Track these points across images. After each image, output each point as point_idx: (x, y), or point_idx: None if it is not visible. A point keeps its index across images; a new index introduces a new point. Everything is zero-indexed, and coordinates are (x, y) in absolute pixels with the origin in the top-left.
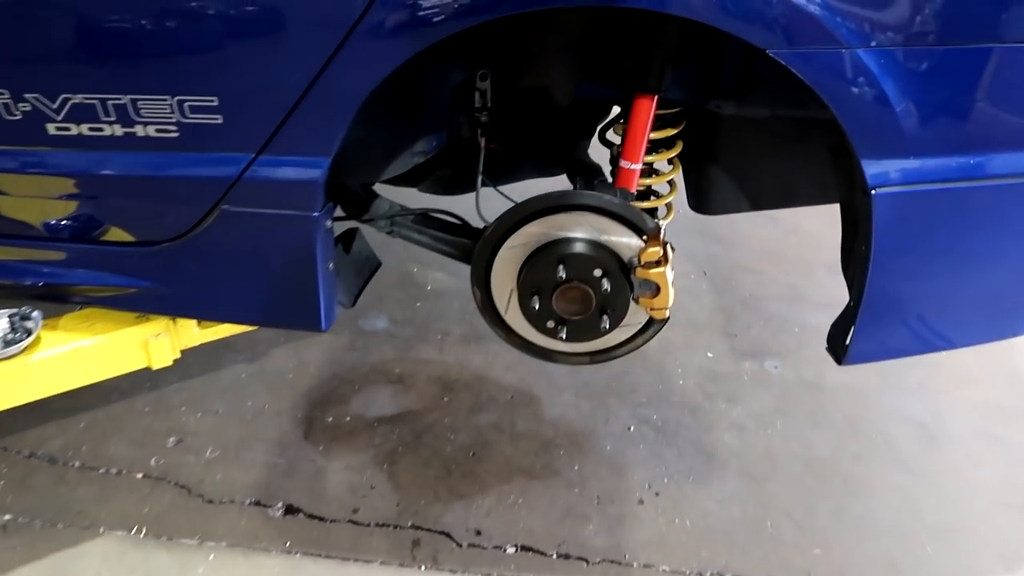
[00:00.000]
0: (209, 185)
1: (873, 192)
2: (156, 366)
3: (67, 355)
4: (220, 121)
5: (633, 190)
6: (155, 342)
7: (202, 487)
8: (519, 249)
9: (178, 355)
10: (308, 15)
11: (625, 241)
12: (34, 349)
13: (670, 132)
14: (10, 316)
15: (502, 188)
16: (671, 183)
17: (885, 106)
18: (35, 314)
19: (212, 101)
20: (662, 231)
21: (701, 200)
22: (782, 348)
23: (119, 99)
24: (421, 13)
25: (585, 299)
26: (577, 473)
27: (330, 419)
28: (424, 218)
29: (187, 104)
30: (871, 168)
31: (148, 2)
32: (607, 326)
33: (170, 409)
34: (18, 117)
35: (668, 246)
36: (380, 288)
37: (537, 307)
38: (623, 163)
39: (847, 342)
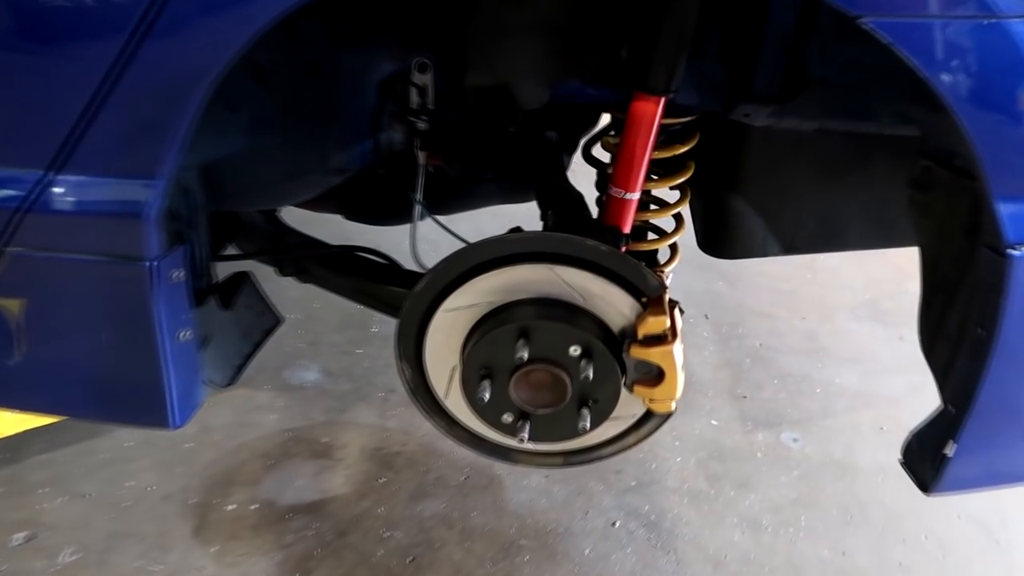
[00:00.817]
0: None
1: (1011, 251)
2: None
3: None
4: None
5: (627, 228)
6: None
7: None
8: (465, 312)
9: None
10: None
11: (616, 306)
12: None
13: (679, 149)
14: None
15: (449, 219)
16: (677, 217)
17: None
18: None
19: None
20: (667, 292)
21: (715, 239)
22: (802, 415)
23: None
24: None
25: (557, 387)
26: None
27: (231, 507)
28: (341, 257)
29: None
30: (1010, 214)
31: None
32: (587, 424)
33: (27, 491)
34: None
35: (676, 311)
36: (314, 330)
37: (488, 396)
38: (614, 191)
39: (941, 463)
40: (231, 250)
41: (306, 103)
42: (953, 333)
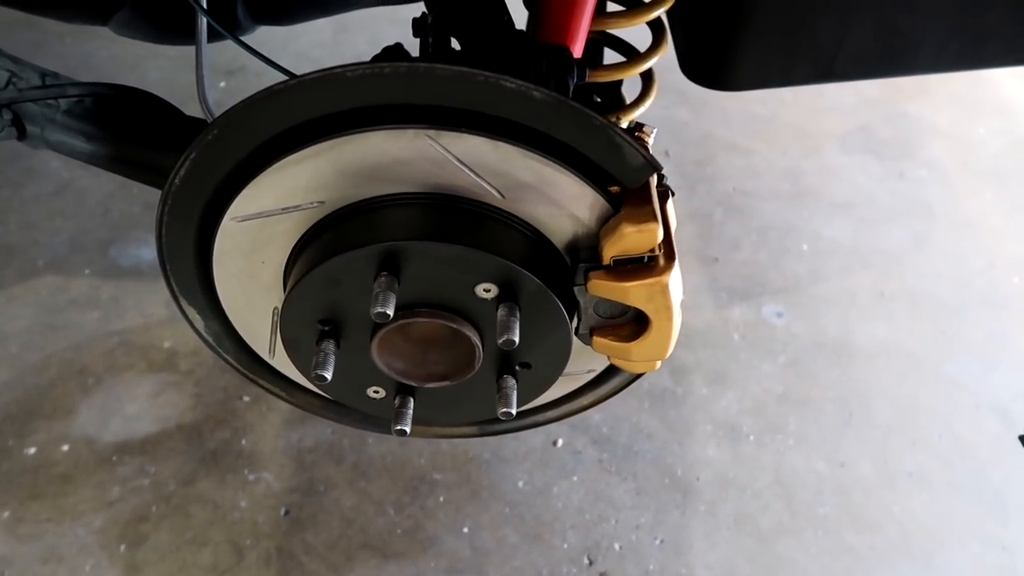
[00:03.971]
0: None
1: None
2: None
3: None
4: None
5: (578, 49)
6: None
7: None
8: (278, 221)
9: None
10: None
11: (564, 204)
12: None
13: None
14: None
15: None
16: (654, 26)
17: None
18: None
19: None
20: (657, 177)
21: (710, 60)
22: (787, 281)
23: None
24: None
25: (457, 347)
26: (466, 542)
27: (30, 451)
28: (88, 104)
29: None
30: None
31: None
32: (510, 402)
33: None
34: None
35: (669, 205)
36: (152, 188)
37: (332, 368)
38: None
39: None
40: None
41: None
42: None
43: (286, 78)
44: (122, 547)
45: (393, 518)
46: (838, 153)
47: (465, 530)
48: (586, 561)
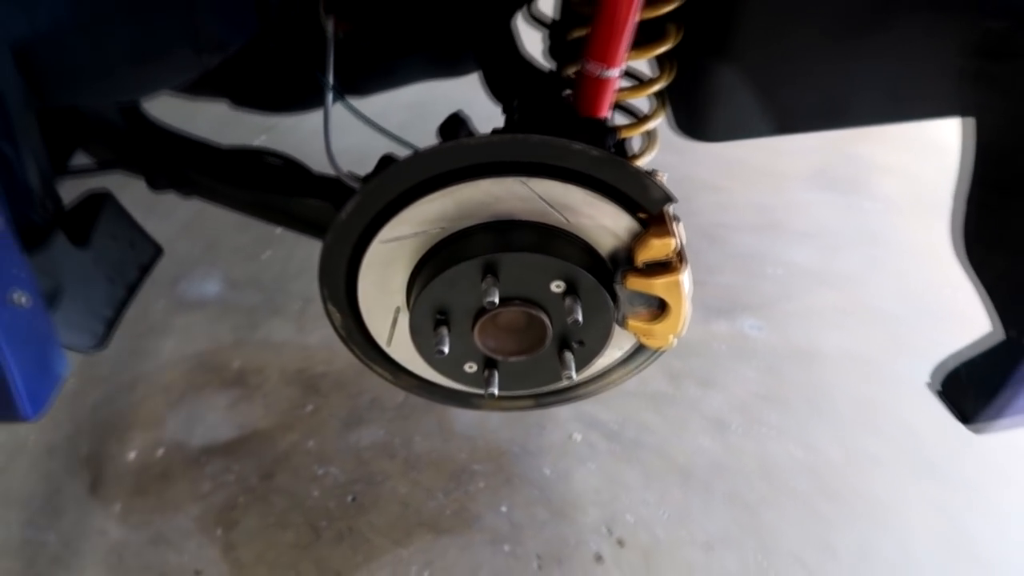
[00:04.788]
0: None
1: None
2: None
3: None
4: None
5: (606, 114)
6: None
7: None
8: (409, 242)
9: None
10: None
11: (607, 226)
12: None
13: (665, 8)
14: None
15: (367, 103)
16: (658, 97)
17: None
18: None
19: None
20: (671, 205)
21: (695, 118)
22: (761, 299)
23: None
24: None
25: (533, 330)
26: (506, 519)
27: (132, 455)
28: (233, 162)
29: None
30: None
31: None
32: (571, 371)
33: None
34: None
35: (679, 227)
36: (210, 230)
37: (447, 348)
38: (591, 67)
39: (993, 392)
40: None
41: None
42: (1015, 227)
43: (403, 143)
44: (218, 531)
45: (442, 501)
46: (801, 190)
47: (503, 509)
48: (605, 530)
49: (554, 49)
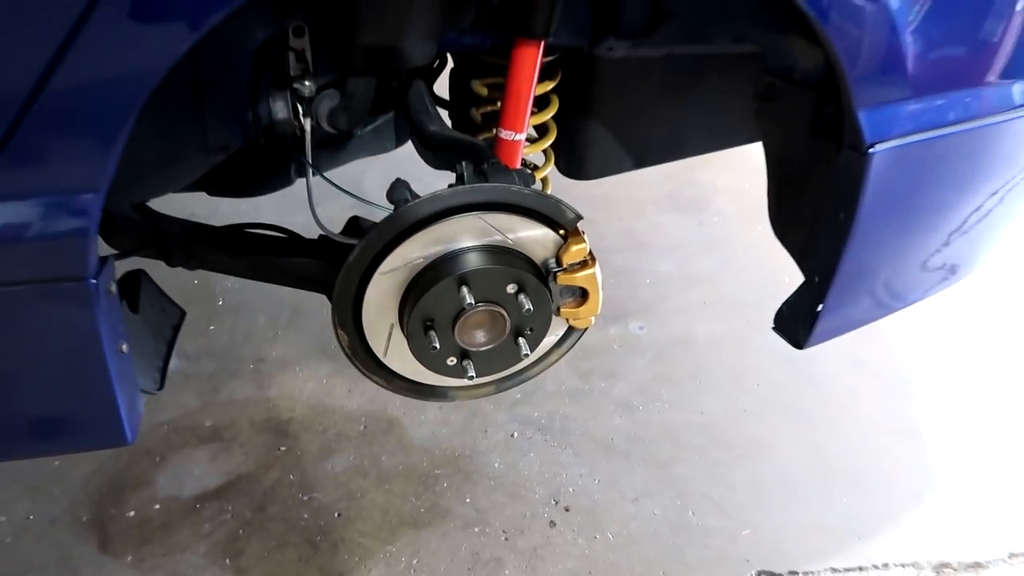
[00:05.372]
0: None
1: (872, 149)
2: None
3: None
4: None
5: (518, 166)
6: None
7: None
8: (400, 272)
9: None
10: None
11: (540, 241)
12: None
13: (549, 86)
14: None
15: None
16: (546, 151)
17: (893, 37)
18: None
19: None
20: (580, 221)
21: (574, 163)
22: (640, 306)
23: None
24: None
25: (496, 323)
26: (471, 507)
27: (131, 514)
28: (235, 237)
29: None
30: (869, 119)
31: None
32: (527, 350)
33: None
34: None
35: (586, 236)
36: None
37: (437, 344)
38: (504, 133)
39: (812, 322)
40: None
41: (177, 78)
42: (807, 219)
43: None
44: (227, 560)
45: (415, 503)
46: (657, 214)
47: (468, 500)
48: (552, 502)
49: (458, 123)
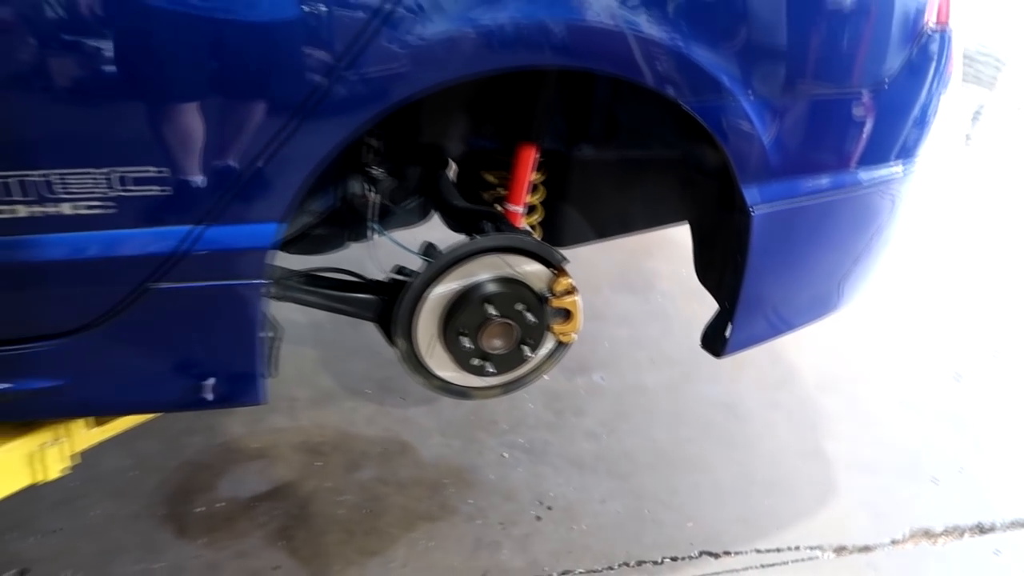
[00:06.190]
0: (140, 263)
1: (753, 212)
2: (47, 479)
3: None
4: (168, 193)
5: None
6: (46, 452)
7: None
8: (440, 294)
9: (69, 463)
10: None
11: (539, 275)
12: None
13: (538, 178)
14: None
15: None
16: (533, 225)
17: (762, 141)
18: None
19: (163, 172)
20: (567, 262)
21: (554, 233)
22: (600, 362)
23: (41, 175)
24: (399, 70)
25: (509, 333)
26: (473, 506)
27: (200, 509)
28: (315, 278)
29: (129, 176)
30: (750, 193)
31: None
32: (529, 354)
33: None
34: None
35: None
36: None
37: (467, 347)
38: (510, 207)
39: (726, 337)
40: None
41: None
42: (718, 264)
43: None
44: (281, 543)
45: (428, 503)
46: (611, 293)
47: (470, 501)
48: (538, 502)
49: (471, 199)
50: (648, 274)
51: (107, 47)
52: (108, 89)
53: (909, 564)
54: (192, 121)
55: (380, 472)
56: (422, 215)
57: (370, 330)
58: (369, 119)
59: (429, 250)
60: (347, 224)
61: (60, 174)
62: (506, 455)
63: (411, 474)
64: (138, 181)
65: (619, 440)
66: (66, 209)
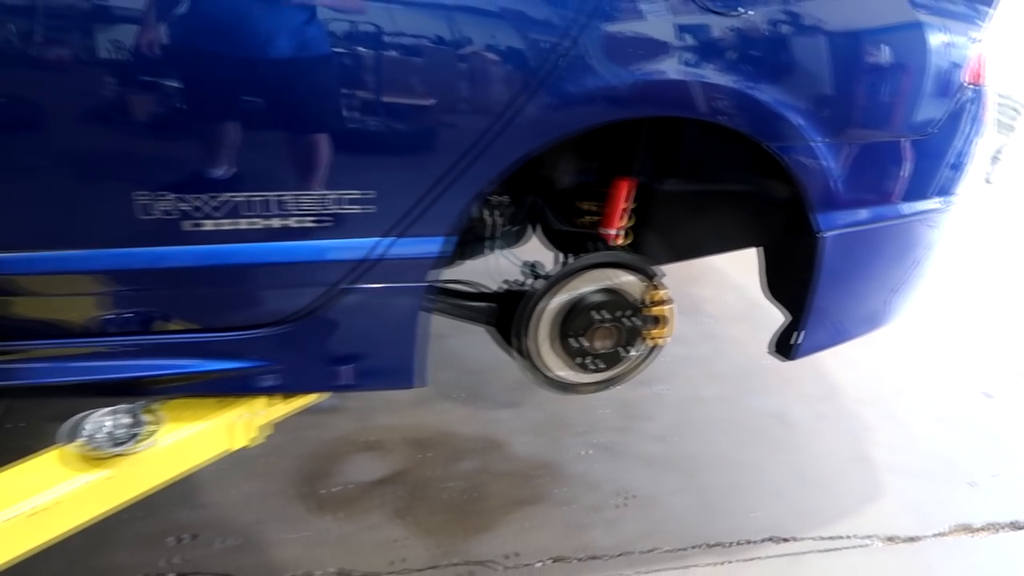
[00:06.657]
0: (339, 267)
1: (821, 235)
2: (236, 447)
3: (179, 445)
4: (371, 211)
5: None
6: (241, 423)
7: (243, 573)
8: (557, 302)
9: (257, 434)
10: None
11: (637, 286)
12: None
13: (629, 207)
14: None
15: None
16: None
17: (830, 177)
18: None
19: (368, 194)
20: (662, 275)
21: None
22: (661, 376)
23: (277, 196)
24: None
25: (611, 336)
26: (564, 493)
27: (332, 489)
28: (440, 289)
29: (345, 197)
30: (819, 218)
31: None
32: (628, 355)
33: (157, 511)
34: (156, 216)
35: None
36: None
37: (577, 346)
38: (606, 231)
39: (795, 344)
40: None
41: None
42: (788, 280)
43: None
44: (400, 519)
45: (523, 490)
46: None
47: (558, 490)
48: (617, 494)
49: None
50: (695, 299)
51: (363, 97)
52: (353, 128)
53: (952, 553)
54: (399, 154)
55: (478, 464)
56: (518, 237)
57: (455, 344)
58: (536, 148)
59: (532, 267)
60: (465, 243)
61: (294, 195)
62: (585, 453)
63: (505, 466)
64: (350, 201)
65: (683, 443)
66: (292, 223)
